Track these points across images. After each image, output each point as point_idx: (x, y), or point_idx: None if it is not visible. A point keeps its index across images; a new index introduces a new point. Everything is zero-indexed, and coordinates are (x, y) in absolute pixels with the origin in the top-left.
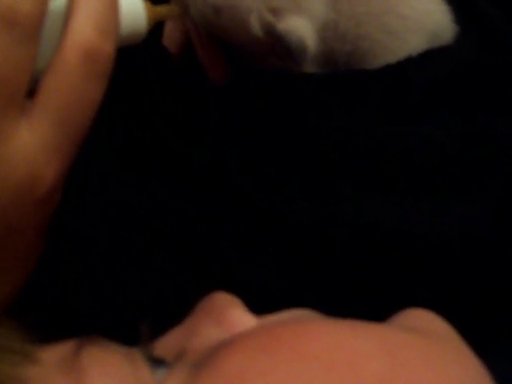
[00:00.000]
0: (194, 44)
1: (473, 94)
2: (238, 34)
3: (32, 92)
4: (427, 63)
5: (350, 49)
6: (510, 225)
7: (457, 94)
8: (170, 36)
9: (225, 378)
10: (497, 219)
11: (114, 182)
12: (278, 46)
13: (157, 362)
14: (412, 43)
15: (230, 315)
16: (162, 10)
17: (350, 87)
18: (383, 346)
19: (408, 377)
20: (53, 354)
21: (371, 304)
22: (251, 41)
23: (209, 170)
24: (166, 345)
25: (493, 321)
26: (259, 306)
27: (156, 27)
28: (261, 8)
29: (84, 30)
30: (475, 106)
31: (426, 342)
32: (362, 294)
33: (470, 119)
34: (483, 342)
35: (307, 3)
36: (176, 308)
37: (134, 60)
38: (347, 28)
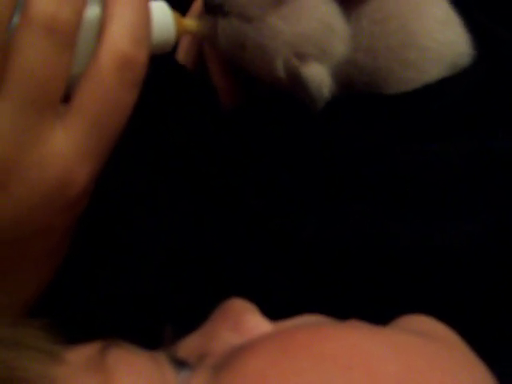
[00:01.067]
0: (209, 67)
1: (482, 114)
2: (261, 70)
3: (66, 97)
4: (443, 89)
5: (367, 80)
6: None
7: (467, 115)
8: (186, 52)
9: (247, 379)
10: (503, 233)
11: (137, 190)
12: (298, 87)
13: (179, 364)
14: (431, 74)
15: (246, 320)
16: (189, 23)
17: (365, 108)
18: (396, 349)
19: (418, 377)
20: (78, 355)
21: (379, 316)
22: (273, 78)
23: (225, 190)
24: (186, 347)
25: (497, 330)
26: (273, 315)
27: None
28: (288, 52)
29: (119, 39)
30: (484, 126)
31: (434, 346)
32: (371, 308)
33: (478, 138)
34: (487, 351)
35: (331, 48)
36: (196, 313)
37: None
38: (365, 62)
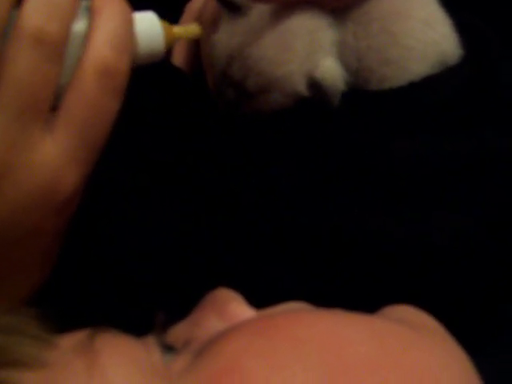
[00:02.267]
0: (205, 69)
1: (471, 111)
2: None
3: (55, 107)
4: (428, 86)
5: (353, 80)
6: (505, 233)
7: (457, 112)
8: (182, 54)
9: (223, 361)
10: (497, 228)
11: (132, 185)
12: (315, 91)
13: (167, 349)
14: (414, 72)
15: (231, 307)
16: (179, 30)
17: (355, 105)
18: (371, 333)
19: (394, 362)
20: (68, 340)
21: (373, 309)
22: (290, 92)
23: (218, 180)
24: (175, 334)
25: (484, 323)
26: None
27: None
28: (306, 69)
29: (101, 49)
30: (472, 122)
31: (412, 332)
32: (365, 301)
33: (466, 134)
34: (474, 343)
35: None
36: (187, 301)
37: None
38: (350, 62)
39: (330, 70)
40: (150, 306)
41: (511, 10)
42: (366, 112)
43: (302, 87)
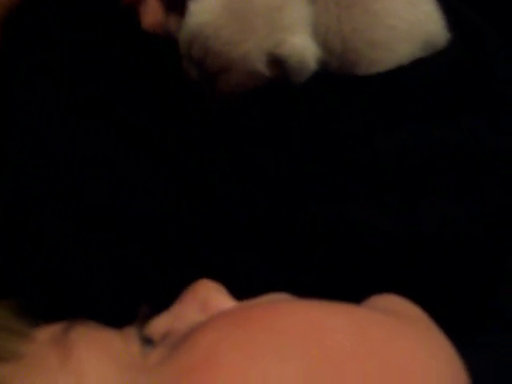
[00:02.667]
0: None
1: (459, 98)
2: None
3: None
4: (417, 69)
5: (338, 63)
6: (495, 223)
7: (445, 97)
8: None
9: (199, 352)
10: (482, 216)
11: (119, 165)
12: (280, 73)
13: (147, 341)
14: (401, 53)
15: (212, 299)
16: None
17: (340, 90)
18: (352, 322)
19: (376, 350)
20: (46, 333)
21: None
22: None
23: (201, 168)
24: (155, 326)
25: (472, 315)
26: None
27: None
28: (266, 47)
29: None
30: (460, 110)
31: (396, 321)
32: (352, 293)
33: (454, 122)
34: (461, 336)
35: (296, 24)
36: (173, 293)
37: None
38: (334, 45)
39: (297, 48)
40: (134, 299)
41: (509, 5)
42: (350, 98)
43: (260, 65)
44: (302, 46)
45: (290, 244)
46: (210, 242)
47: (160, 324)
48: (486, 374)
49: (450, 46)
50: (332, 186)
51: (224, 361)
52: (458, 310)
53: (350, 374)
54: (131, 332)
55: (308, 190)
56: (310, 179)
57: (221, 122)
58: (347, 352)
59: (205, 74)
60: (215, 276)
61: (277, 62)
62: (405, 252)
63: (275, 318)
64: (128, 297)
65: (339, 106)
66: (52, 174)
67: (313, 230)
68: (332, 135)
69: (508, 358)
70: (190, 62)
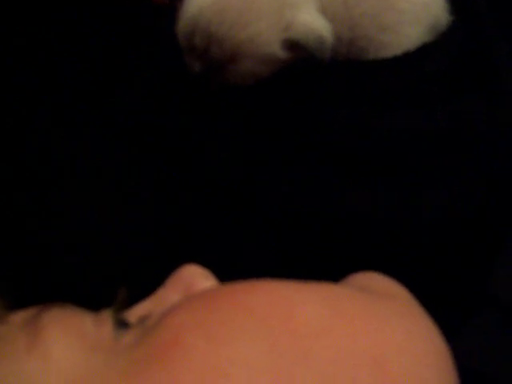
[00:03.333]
0: None
1: (459, 84)
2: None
3: None
4: (423, 54)
5: (345, 50)
6: (489, 210)
7: (444, 85)
8: None
9: (167, 334)
10: (477, 203)
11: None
12: (299, 54)
13: (123, 325)
14: (410, 37)
15: (196, 284)
16: None
17: (346, 77)
18: (322, 298)
19: (346, 327)
20: (20, 316)
21: None
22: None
23: (193, 151)
24: (137, 312)
25: (462, 302)
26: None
27: None
28: (279, 27)
29: None
30: (460, 96)
31: (370, 297)
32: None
33: (454, 109)
34: (451, 323)
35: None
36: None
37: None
38: (342, 32)
39: (309, 24)
40: (119, 282)
41: None
42: (357, 85)
43: (275, 48)
44: (314, 22)
45: (288, 232)
46: (204, 228)
47: (142, 309)
48: (472, 355)
49: (452, 29)
50: (333, 173)
51: (189, 344)
52: (451, 293)
53: (319, 351)
54: (106, 315)
55: (308, 177)
56: (311, 166)
57: (221, 110)
58: (316, 328)
59: (210, 65)
60: (205, 262)
61: (292, 44)
62: (401, 238)
63: (243, 297)
64: (108, 279)
65: (346, 93)
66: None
67: (312, 218)
68: (337, 122)
69: (496, 340)
70: (192, 53)
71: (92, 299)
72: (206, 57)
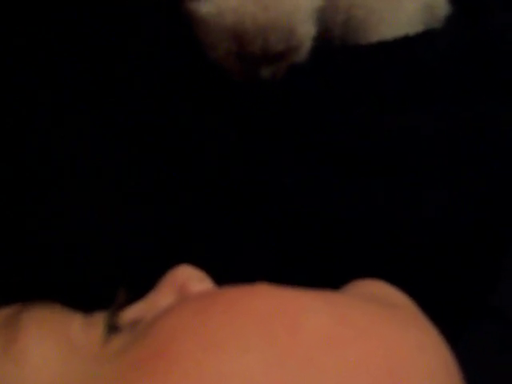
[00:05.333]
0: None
1: (463, 79)
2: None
3: None
4: (426, 42)
5: (344, 18)
6: (490, 210)
7: (447, 79)
8: None
9: (156, 341)
10: (479, 205)
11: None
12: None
13: (114, 329)
14: (408, 10)
15: (189, 286)
16: None
17: (343, 69)
18: (329, 306)
19: (354, 337)
20: (1, 314)
21: None
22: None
23: (196, 151)
24: (129, 315)
25: (465, 311)
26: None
27: None
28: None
29: None
30: (466, 91)
31: (378, 307)
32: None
33: (459, 105)
34: (453, 331)
35: None
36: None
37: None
38: (336, 11)
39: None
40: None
41: None
42: (355, 76)
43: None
44: None
45: (288, 232)
46: (204, 228)
47: (132, 311)
48: (478, 366)
49: (453, 17)
50: (333, 173)
51: (181, 351)
52: (451, 295)
53: (329, 364)
54: (97, 318)
55: (308, 177)
56: (311, 166)
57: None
58: (323, 338)
59: (270, 60)
60: (205, 262)
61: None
62: (401, 238)
63: (242, 302)
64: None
65: (346, 92)
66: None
67: (313, 218)
68: (337, 121)
69: (500, 352)
70: (244, 58)
71: (92, 299)
72: (264, 54)
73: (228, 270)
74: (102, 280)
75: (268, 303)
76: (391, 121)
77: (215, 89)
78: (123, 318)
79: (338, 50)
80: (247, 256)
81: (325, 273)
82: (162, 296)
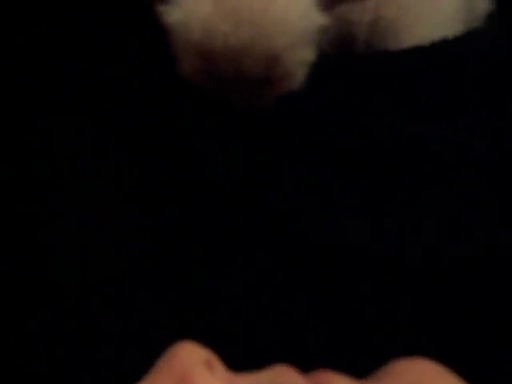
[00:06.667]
0: None
1: (504, 82)
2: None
3: None
4: (468, 44)
5: (371, 18)
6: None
7: (488, 83)
8: None
9: None
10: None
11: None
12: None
13: None
14: (447, 10)
15: (192, 378)
16: None
17: (362, 74)
18: None
19: None
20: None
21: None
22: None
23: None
24: None
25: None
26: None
27: None
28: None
29: None
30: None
31: None
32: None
33: (494, 116)
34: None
35: None
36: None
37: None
38: (361, 11)
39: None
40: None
41: None
42: (385, 84)
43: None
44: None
45: (289, 232)
46: (204, 228)
47: None
48: None
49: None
50: (333, 173)
51: None
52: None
53: None
54: None
55: (308, 178)
56: (311, 167)
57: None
58: None
59: (245, 84)
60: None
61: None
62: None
63: None
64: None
65: (370, 95)
66: None
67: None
68: (340, 124)
69: None
70: (240, 83)
71: (92, 299)
72: (244, 81)
73: (228, 270)
74: (102, 280)
75: None
76: (398, 126)
77: None
78: None
79: (362, 57)
80: (247, 256)
81: (325, 273)
82: None
